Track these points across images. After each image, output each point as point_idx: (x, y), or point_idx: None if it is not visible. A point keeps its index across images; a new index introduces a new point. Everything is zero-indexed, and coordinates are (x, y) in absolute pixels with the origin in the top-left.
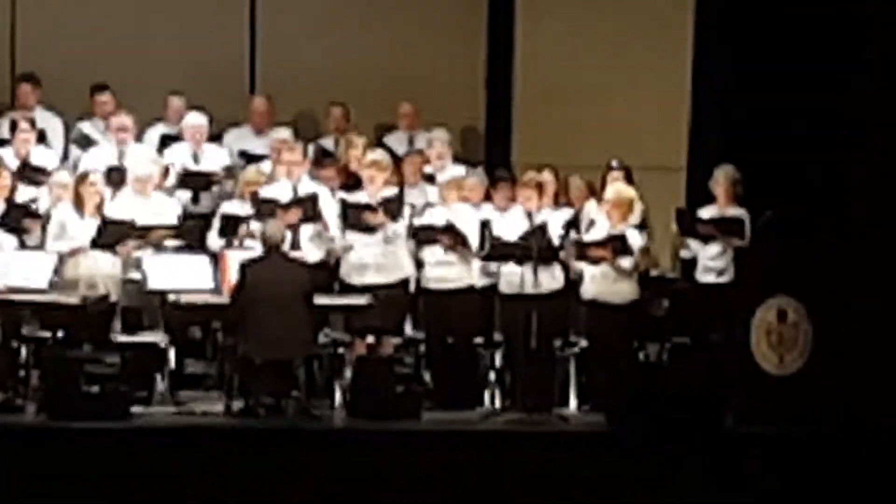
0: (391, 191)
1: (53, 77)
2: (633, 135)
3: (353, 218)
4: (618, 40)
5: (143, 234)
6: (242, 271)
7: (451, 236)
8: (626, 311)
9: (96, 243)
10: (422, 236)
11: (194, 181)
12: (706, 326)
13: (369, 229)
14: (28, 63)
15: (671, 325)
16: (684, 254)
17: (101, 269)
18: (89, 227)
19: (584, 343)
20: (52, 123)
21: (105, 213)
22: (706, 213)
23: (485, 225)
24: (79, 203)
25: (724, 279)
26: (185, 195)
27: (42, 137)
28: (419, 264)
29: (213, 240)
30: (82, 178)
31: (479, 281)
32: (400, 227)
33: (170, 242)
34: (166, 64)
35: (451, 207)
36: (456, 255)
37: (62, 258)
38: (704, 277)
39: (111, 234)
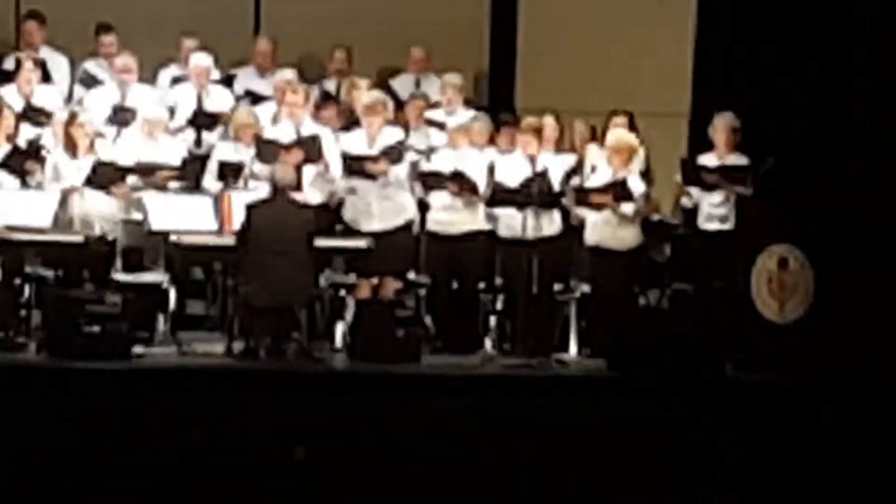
0: (394, 134)
1: (58, 16)
2: (636, 80)
3: (354, 167)
4: None
5: (147, 172)
6: (248, 213)
7: (459, 183)
8: (628, 257)
9: (89, 183)
10: (429, 182)
11: (202, 121)
12: (707, 273)
13: (371, 176)
14: (33, 2)
15: (672, 272)
16: (685, 202)
17: (97, 209)
18: (82, 167)
19: (584, 288)
20: (57, 62)
21: (101, 153)
22: (706, 160)
23: (491, 170)
24: (70, 144)
25: (726, 226)
26: (189, 136)
27: (47, 77)
28: (424, 208)
29: (211, 182)
30: (72, 119)
31: (485, 226)
32: (402, 170)
33: (172, 184)
34: (172, 4)
35: (460, 152)
36: (461, 200)
37: (63, 199)
38: (707, 225)
39: (104, 175)
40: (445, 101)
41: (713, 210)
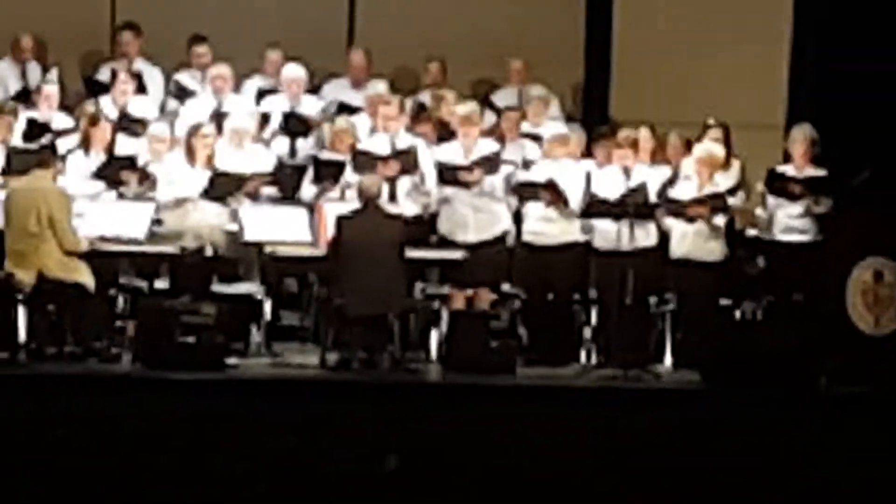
0: (489, 146)
1: (151, 28)
2: (731, 92)
3: (449, 177)
4: None
5: (240, 183)
6: (339, 224)
7: (552, 192)
8: (716, 269)
9: (207, 194)
10: (523, 192)
11: (295, 125)
12: (799, 286)
13: (465, 185)
14: (127, 13)
15: (766, 284)
16: (760, 213)
17: (209, 220)
18: (199, 178)
19: (677, 300)
20: (151, 74)
21: (219, 164)
22: (785, 171)
23: (587, 180)
24: (190, 154)
25: (806, 238)
26: (281, 147)
27: (141, 88)
28: (519, 219)
29: (307, 188)
30: (195, 130)
31: (580, 237)
32: (497, 180)
33: (266, 190)
34: (264, 16)
35: (557, 164)
36: (557, 211)
37: (164, 209)
38: (784, 237)
39: (222, 186)
40: (531, 114)
41: (791, 221)
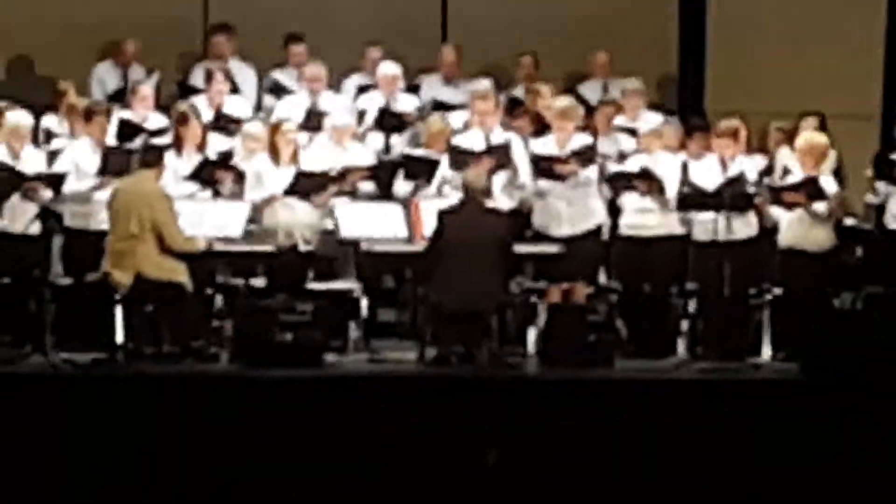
0: (583, 139)
1: (246, 28)
2: (826, 82)
3: (544, 168)
4: None
5: (339, 178)
6: (440, 220)
7: (647, 181)
8: (821, 259)
9: (290, 192)
10: (618, 183)
11: (390, 122)
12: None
13: (560, 178)
14: (221, 14)
15: (866, 274)
16: (870, 198)
17: (299, 218)
18: (284, 175)
19: (777, 291)
20: (245, 74)
21: (301, 161)
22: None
23: (684, 170)
24: (274, 152)
25: None
26: (377, 143)
27: (235, 88)
28: (615, 212)
29: (400, 185)
30: (276, 127)
31: (678, 229)
32: (592, 173)
33: (362, 187)
34: (358, 13)
35: (652, 156)
36: (655, 203)
37: (258, 207)
38: (894, 224)
39: (305, 184)
40: (628, 108)
41: None
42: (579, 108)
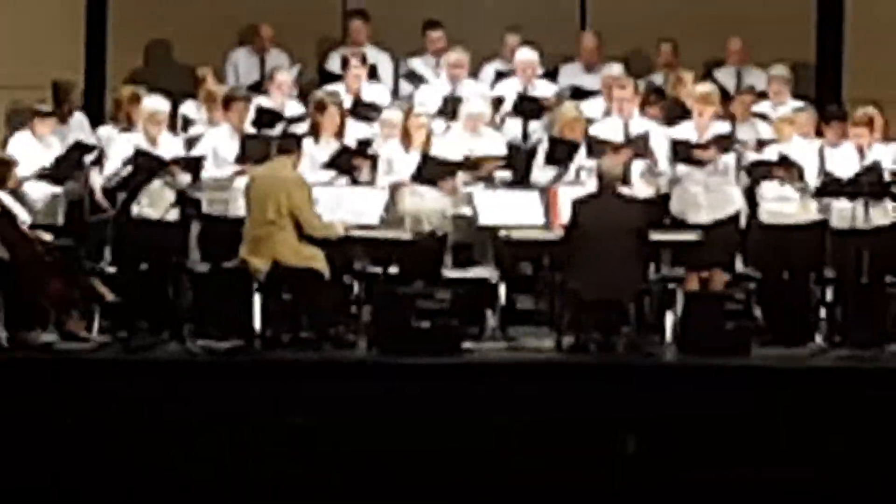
0: (722, 126)
1: (383, 14)
2: None
3: (683, 153)
4: None
5: (474, 166)
6: (575, 208)
7: (786, 168)
8: None
9: (417, 177)
10: (756, 172)
11: (528, 107)
12: None
13: (699, 163)
14: (359, 0)
15: None
16: None
17: (427, 204)
18: (414, 161)
19: None
20: (381, 60)
21: (431, 148)
22: None
23: (821, 157)
24: (406, 138)
25: None
26: (514, 130)
27: (373, 74)
28: (753, 200)
29: (539, 171)
30: (408, 114)
31: (817, 216)
32: (730, 159)
33: (499, 174)
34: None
35: (790, 143)
36: (794, 189)
37: (393, 195)
38: None
39: (431, 170)
40: (772, 94)
41: None
42: (718, 94)
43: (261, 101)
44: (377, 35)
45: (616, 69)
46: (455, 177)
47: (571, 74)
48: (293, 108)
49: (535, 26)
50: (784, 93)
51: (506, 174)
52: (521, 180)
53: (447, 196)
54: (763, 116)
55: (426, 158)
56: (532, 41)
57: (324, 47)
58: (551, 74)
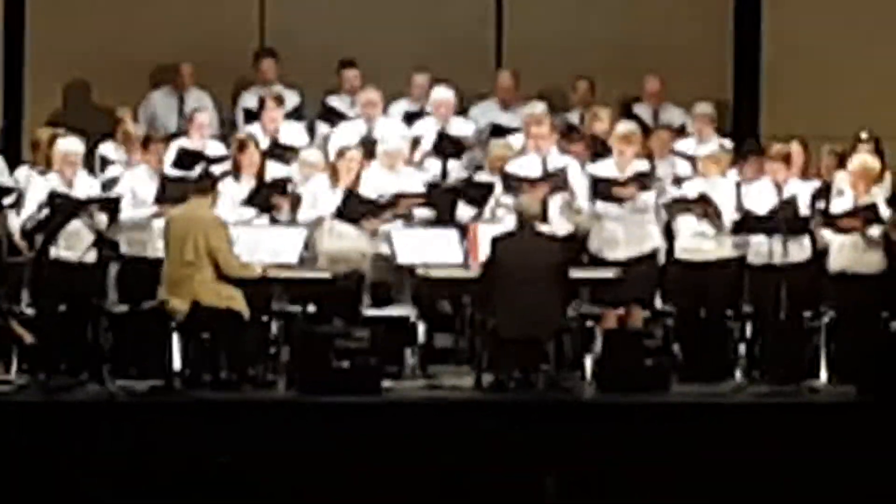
0: (641, 164)
1: (299, 53)
2: (882, 104)
3: (604, 191)
4: (866, 9)
5: (393, 203)
6: (494, 246)
7: (703, 205)
8: (875, 282)
9: (340, 214)
10: (674, 208)
11: (447, 147)
12: None
13: (619, 200)
14: (275, 39)
15: None
16: None
17: (346, 243)
18: (338, 198)
19: (833, 314)
20: (289, 98)
21: (360, 185)
22: None
23: (738, 193)
24: (334, 176)
25: None
26: (433, 169)
27: (289, 113)
28: (671, 236)
29: (463, 210)
30: (341, 154)
31: (734, 252)
32: (650, 197)
33: (419, 211)
34: (411, 38)
35: (710, 181)
36: (710, 226)
37: (312, 232)
38: None
39: (354, 207)
40: (697, 131)
41: None
42: (640, 134)
43: (182, 142)
44: (289, 73)
45: (539, 108)
46: (379, 217)
47: (487, 112)
48: (214, 147)
49: (449, 64)
50: (708, 131)
51: (426, 212)
52: (445, 219)
53: (367, 235)
54: (684, 155)
55: (350, 196)
56: (442, 79)
57: (241, 86)
58: (465, 112)
